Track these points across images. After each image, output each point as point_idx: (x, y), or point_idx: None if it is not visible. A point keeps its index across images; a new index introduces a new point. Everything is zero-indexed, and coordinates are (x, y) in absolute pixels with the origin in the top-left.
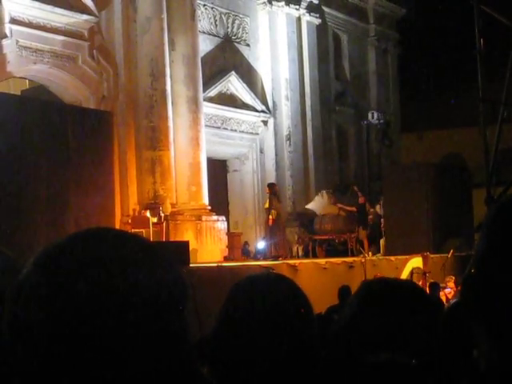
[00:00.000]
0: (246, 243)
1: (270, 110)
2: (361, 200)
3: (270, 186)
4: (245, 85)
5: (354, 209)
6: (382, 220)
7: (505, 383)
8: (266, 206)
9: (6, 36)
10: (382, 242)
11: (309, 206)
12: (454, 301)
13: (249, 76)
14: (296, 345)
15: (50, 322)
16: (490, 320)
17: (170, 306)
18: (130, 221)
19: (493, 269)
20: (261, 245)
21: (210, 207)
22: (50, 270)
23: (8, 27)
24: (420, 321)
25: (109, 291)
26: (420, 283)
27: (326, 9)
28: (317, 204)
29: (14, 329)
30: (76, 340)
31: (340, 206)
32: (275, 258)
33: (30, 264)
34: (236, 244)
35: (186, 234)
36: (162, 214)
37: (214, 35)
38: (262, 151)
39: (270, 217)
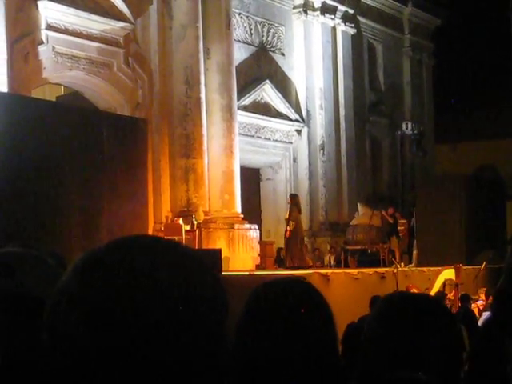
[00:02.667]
0: (280, 252)
1: (304, 120)
2: (390, 211)
3: (292, 196)
4: (279, 94)
5: (391, 220)
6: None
7: None
8: (286, 216)
9: (42, 42)
10: (414, 253)
11: (354, 222)
12: (488, 315)
13: (283, 85)
14: (312, 349)
15: (89, 331)
16: None
17: (211, 313)
18: (162, 228)
19: None
20: None
21: (242, 215)
22: (89, 278)
23: (44, 33)
24: (439, 338)
25: (150, 298)
26: (452, 295)
27: (361, 19)
28: (360, 217)
29: (53, 337)
30: (115, 350)
31: (384, 213)
32: (291, 269)
33: (69, 272)
34: (268, 253)
35: (219, 242)
36: (195, 222)
37: (249, 44)
38: (295, 160)
39: (288, 228)
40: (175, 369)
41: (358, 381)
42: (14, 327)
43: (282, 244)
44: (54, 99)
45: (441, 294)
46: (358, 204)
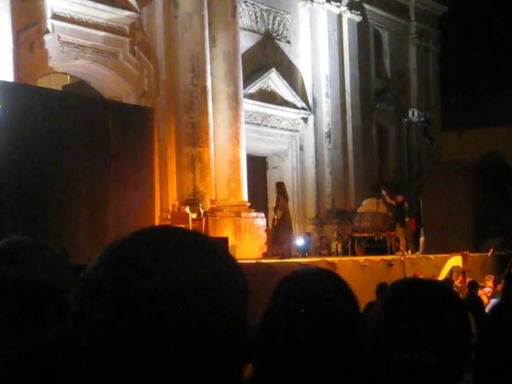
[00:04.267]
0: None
1: (310, 107)
2: (400, 198)
3: (278, 185)
4: (285, 82)
5: (393, 202)
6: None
7: None
8: (273, 205)
9: (47, 32)
10: (421, 240)
11: (361, 210)
12: (497, 301)
13: (289, 73)
14: (344, 344)
15: (114, 317)
16: None
17: (235, 299)
18: (169, 217)
19: None
20: (299, 242)
21: (249, 204)
22: (115, 266)
23: (50, 23)
24: (446, 322)
25: (174, 288)
26: (459, 282)
27: (366, 6)
28: (366, 204)
29: (77, 324)
30: (139, 335)
31: (384, 193)
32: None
33: (96, 260)
34: None
35: (225, 231)
36: (202, 210)
37: (255, 32)
38: (301, 148)
39: (275, 216)
40: (197, 354)
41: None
42: (21, 314)
43: None
44: (60, 88)
45: (448, 281)
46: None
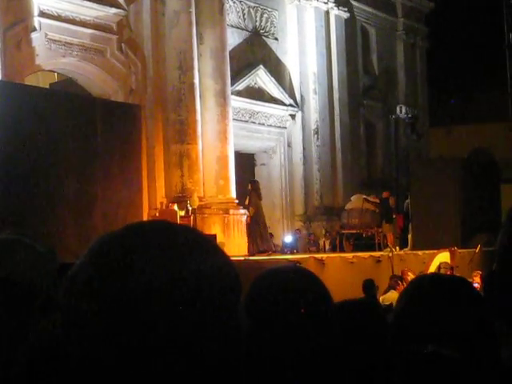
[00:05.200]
0: (271, 237)
1: (298, 104)
2: (385, 194)
3: (252, 182)
4: (273, 79)
5: (377, 200)
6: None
7: None
8: (246, 202)
9: (34, 29)
10: (409, 236)
11: (349, 206)
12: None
13: (277, 70)
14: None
15: (103, 315)
16: None
17: (226, 297)
18: (157, 214)
19: None
20: (288, 239)
21: (237, 201)
22: (103, 261)
23: (37, 20)
24: (467, 314)
25: (166, 283)
26: None
27: (354, 3)
28: (354, 201)
29: (67, 319)
30: (128, 333)
31: (364, 197)
32: (260, 254)
33: (85, 254)
34: None
35: (214, 228)
36: (190, 208)
37: (243, 29)
38: (289, 145)
39: (248, 214)
40: (191, 351)
41: (389, 357)
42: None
43: (276, 229)
44: (47, 86)
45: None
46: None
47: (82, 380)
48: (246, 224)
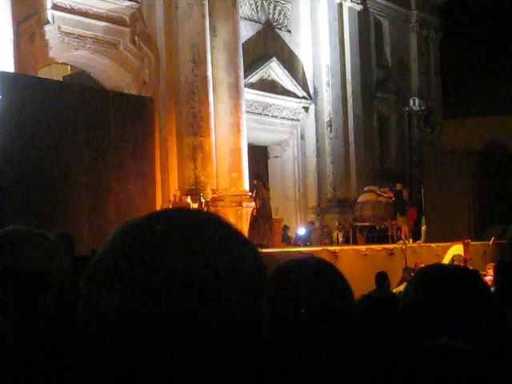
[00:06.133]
0: (286, 229)
1: (311, 97)
2: (398, 187)
3: (257, 177)
4: (286, 71)
5: (391, 194)
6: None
7: None
8: (253, 195)
9: (48, 22)
10: (423, 228)
11: (362, 199)
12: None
13: (290, 62)
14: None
15: (124, 304)
16: None
17: (254, 285)
18: (170, 206)
19: None
20: (301, 231)
21: (250, 193)
22: (128, 249)
23: (50, 13)
24: (477, 307)
25: (192, 271)
26: None
27: None
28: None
29: (87, 309)
30: (150, 324)
31: (382, 190)
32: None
33: (107, 244)
34: (276, 230)
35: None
36: (203, 200)
37: (256, 21)
38: (302, 137)
39: (254, 206)
40: (214, 340)
41: (397, 349)
42: (15, 302)
43: (290, 221)
44: (60, 79)
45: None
46: (366, 188)
47: (100, 372)
48: (252, 216)
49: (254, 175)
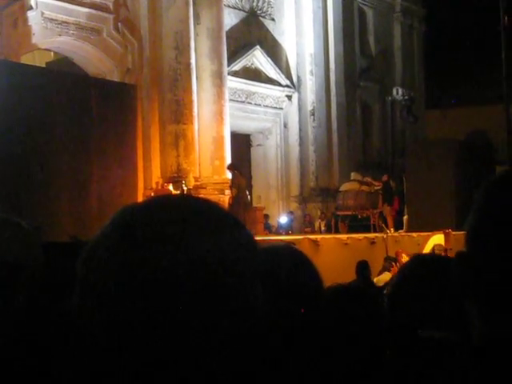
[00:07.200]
0: (267, 217)
1: (295, 85)
2: (385, 178)
3: (232, 164)
4: (269, 59)
5: (379, 184)
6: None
7: (497, 359)
8: (230, 184)
9: (31, 8)
10: (405, 218)
11: (344, 188)
12: None
13: (273, 50)
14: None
15: (122, 286)
16: (482, 298)
17: (251, 273)
18: (152, 194)
19: (484, 247)
20: (283, 219)
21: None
22: (128, 231)
23: None
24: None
25: (188, 257)
26: None
27: None
28: (350, 182)
29: (84, 291)
30: (147, 307)
31: (369, 179)
32: None
33: (105, 227)
34: (258, 218)
35: None
36: (185, 188)
37: (239, 9)
38: (285, 126)
39: (230, 194)
40: (214, 331)
41: (387, 339)
42: None
43: (272, 209)
44: (43, 65)
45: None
46: (352, 173)
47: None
48: (228, 205)
49: (228, 164)
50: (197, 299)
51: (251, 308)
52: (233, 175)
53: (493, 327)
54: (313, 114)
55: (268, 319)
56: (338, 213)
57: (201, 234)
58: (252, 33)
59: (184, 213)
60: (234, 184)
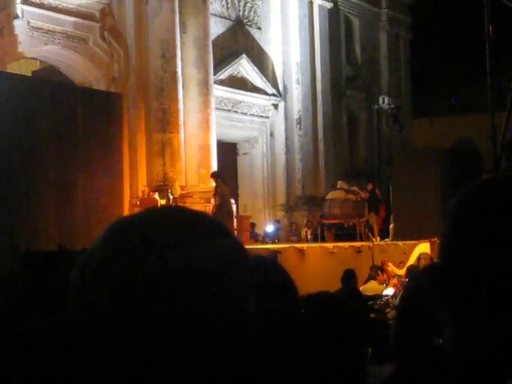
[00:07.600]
0: (253, 226)
1: (281, 94)
2: (370, 186)
3: (215, 173)
4: (256, 68)
5: (366, 194)
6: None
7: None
8: (213, 192)
9: (17, 17)
10: (391, 226)
11: (330, 196)
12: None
13: (260, 59)
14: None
15: (115, 299)
16: (457, 309)
17: (240, 281)
18: (138, 203)
19: (459, 257)
20: (269, 228)
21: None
22: (120, 243)
23: (19, 8)
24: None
25: (180, 268)
26: None
27: None
28: (336, 191)
29: (78, 303)
30: (140, 320)
31: (356, 189)
32: None
33: (100, 238)
34: (244, 227)
35: None
36: (171, 196)
37: (226, 18)
38: (272, 135)
39: (214, 203)
40: (200, 345)
41: (395, 348)
42: None
43: (258, 218)
44: (29, 74)
45: (415, 268)
46: (338, 182)
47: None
48: (212, 213)
49: (212, 172)
50: (193, 308)
51: (244, 314)
52: (216, 184)
53: (465, 338)
54: (299, 123)
55: (261, 326)
56: (324, 221)
57: (193, 243)
58: (238, 42)
59: (177, 223)
60: (217, 192)
